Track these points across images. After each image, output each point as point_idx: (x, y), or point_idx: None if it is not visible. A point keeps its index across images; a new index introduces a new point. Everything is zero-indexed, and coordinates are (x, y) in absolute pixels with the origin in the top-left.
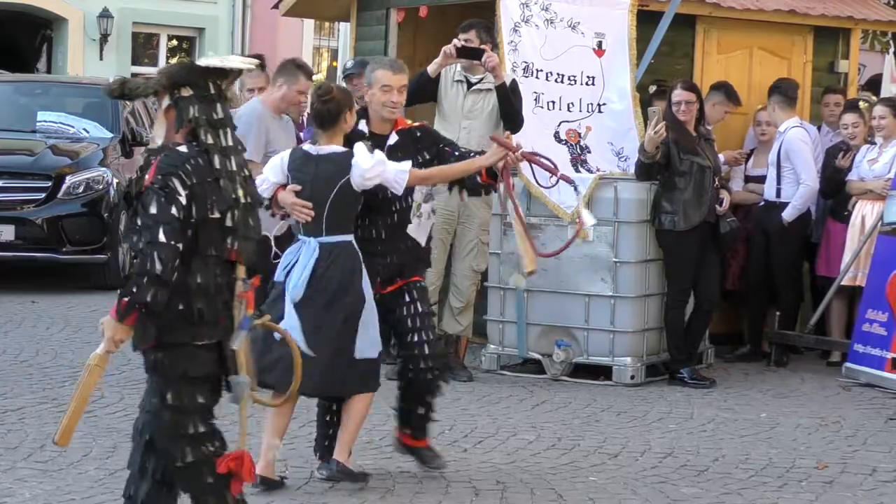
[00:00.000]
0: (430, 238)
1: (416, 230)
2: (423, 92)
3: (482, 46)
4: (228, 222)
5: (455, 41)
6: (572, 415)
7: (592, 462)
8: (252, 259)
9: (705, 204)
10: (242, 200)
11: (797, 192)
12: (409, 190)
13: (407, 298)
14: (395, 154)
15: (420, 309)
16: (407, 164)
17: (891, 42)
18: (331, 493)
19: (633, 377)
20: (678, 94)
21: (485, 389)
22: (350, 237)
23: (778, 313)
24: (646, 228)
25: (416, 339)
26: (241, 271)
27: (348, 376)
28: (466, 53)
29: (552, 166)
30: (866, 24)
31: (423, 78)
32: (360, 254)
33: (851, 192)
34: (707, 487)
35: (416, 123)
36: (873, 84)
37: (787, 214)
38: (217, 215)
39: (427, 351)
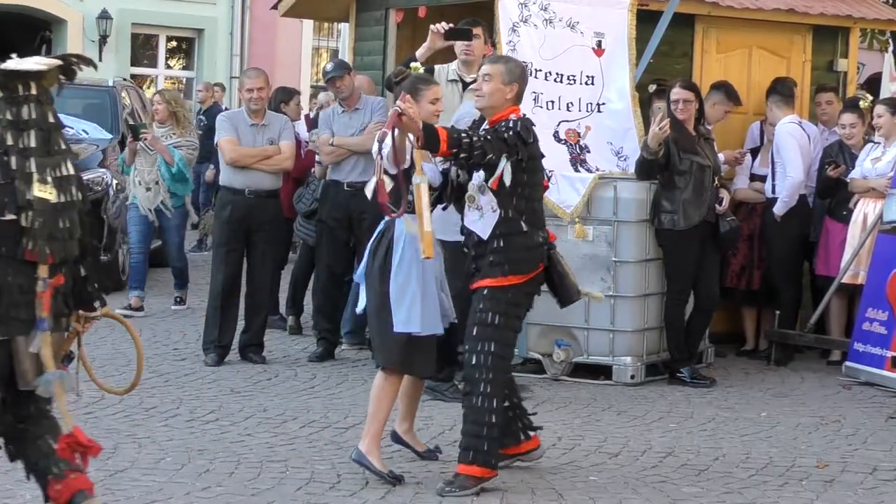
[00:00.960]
0: (503, 237)
1: (476, 223)
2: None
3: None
4: (24, 223)
5: (441, 24)
6: (572, 414)
7: (593, 461)
8: (67, 258)
9: (705, 203)
10: (53, 201)
11: (783, 185)
12: (444, 179)
13: (475, 304)
14: None
15: (476, 319)
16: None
17: (890, 41)
18: (331, 493)
19: (633, 377)
20: (676, 93)
21: None
22: (390, 220)
23: (778, 312)
24: (645, 228)
25: (462, 347)
26: (42, 271)
27: (381, 347)
28: (455, 35)
29: (408, 132)
30: (865, 23)
31: (412, 61)
32: (406, 233)
33: (854, 191)
34: (708, 487)
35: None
36: (872, 83)
37: (777, 209)
38: (11, 217)
39: (465, 368)
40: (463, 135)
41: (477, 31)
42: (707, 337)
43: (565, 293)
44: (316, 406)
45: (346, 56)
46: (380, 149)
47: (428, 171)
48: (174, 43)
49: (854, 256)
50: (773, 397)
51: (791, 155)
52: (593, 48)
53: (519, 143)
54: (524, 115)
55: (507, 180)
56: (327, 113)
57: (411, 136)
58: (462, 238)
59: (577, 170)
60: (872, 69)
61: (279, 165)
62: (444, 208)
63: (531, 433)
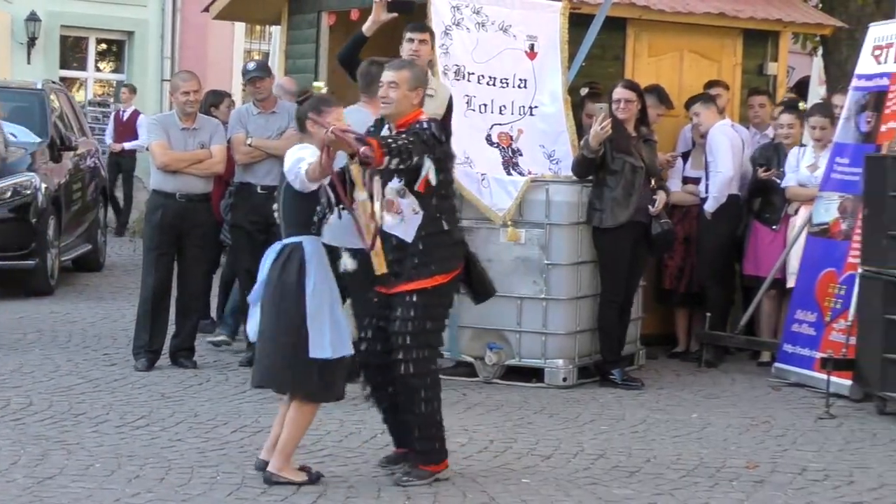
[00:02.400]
0: (426, 238)
1: (397, 227)
2: (356, 55)
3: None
4: None
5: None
6: (504, 417)
7: (525, 464)
8: None
9: (633, 204)
10: None
11: (714, 181)
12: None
13: (396, 311)
14: None
15: (407, 327)
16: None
17: (818, 46)
18: (262, 498)
19: (565, 379)
20: (618, 93)
21: None
22: (301, 238)
23: (708, 314)
24: (577, 231)
25: (395, 356)
26: None
27: (294, 377)
28: (398, 7)
29: (358, 147)
30: (795, 27)
31: (359, 38)
32: (316, 254)
33: (794, 199)
34: (639, 488)
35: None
36: (802, 86)
37: (708, 206)
38: None
39: (403, 377)
40: (391, 140)
41: (424, 36)
42: (638, 339)
43: (483, 290)
44: (247, 410)
45: (278, 59)
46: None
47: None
48: (104, 45)
49: (784, 259)
50: (704, 399)
51: (722, 152)
52: (526, 51)
53: (436, 144)
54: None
55: (434, 180)
56: (240, 112)
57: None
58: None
59: (509, 173)
60: (802, 73)
61: (210, 169)
62: (339, 217)
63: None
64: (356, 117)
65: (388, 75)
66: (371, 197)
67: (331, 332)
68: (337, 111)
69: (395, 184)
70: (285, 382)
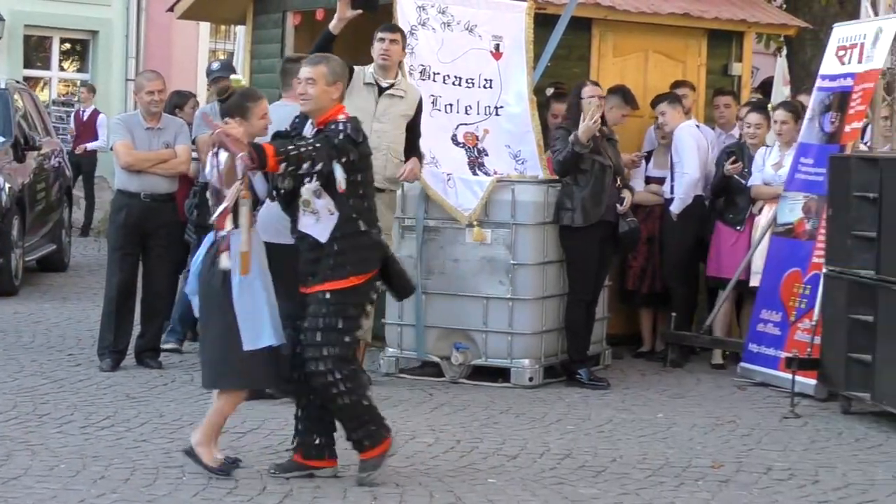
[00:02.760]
0: (342, 239)
1: (313, 227)
2: (326, 51)
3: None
4: None
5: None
6: (471, 417)
7: (491, 464)
8: None
9: (604, 202)
10: None
11: (680, 182)
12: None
13: (308, 309)
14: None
15: (318, 324)
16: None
17: (783, 46)
18: (228, 498)
19: (531, 379)
20: (590, 90)
21: (383, 393)
22: (225, 231)
23: (673, 314)
24: (543, 230)
25: (305, 354)
26: None
27: (226, 370)
28: (362, 4)
29: (237, 151)
30: (759, 28)
31: (327, 36)
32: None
33: (759, 198)
34: (605, 488)
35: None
36: (766, 86)
37: (674, 207)
38: None
39: (311, 369)
40: (290, 148)
41: (395, 36)
42: (604, 339)
43: (402, 288)
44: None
45: (244, 59)
46: (216, 171)
47: (258, 183)
48: (68, 45)
49: (748, 259)
50: (670, 398)
51: (689, 153)
52: (491, 52)
53: (349, 146)
54: (351, 115)
55: (343, 185)
56: (205, 112)
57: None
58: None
59: (474, 173)
60: (766, 73)
61: (175, 169)
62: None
63: (333, 454)
64: (281, 112)
65: (304, 71)
66: (238, 200)
67: (260, 324)
68: (262, 104)
69: (312, 184)
70: (213, 377)
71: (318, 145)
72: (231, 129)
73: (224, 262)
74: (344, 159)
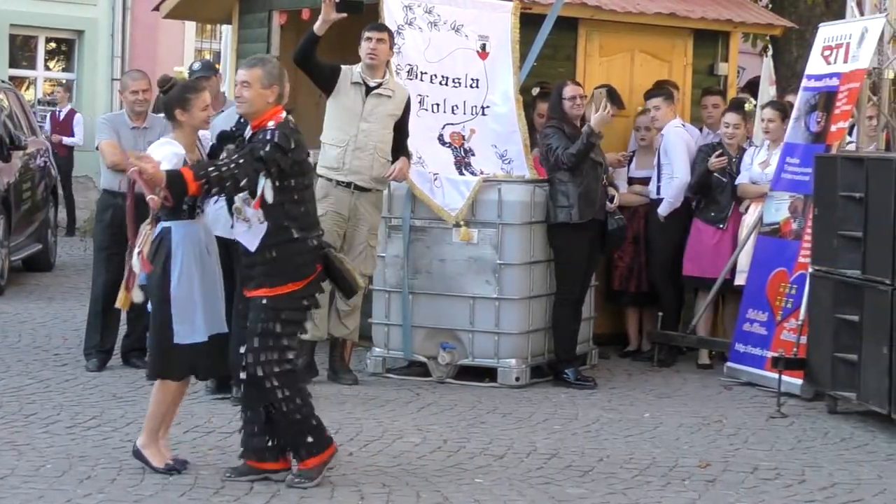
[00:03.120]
0: (276, 247)
1: (244, 235)
2: (311, 54)
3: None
4: None
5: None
6: (458, 417)
7: (478, 464)
8: None
9: (598, 200)
10: None
11: (670, 186)
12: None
13: (253, 313)
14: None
15: (256, 329)
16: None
17: (769, 45)
18: (215, 499)
19: (517, 379)
20: (571, 90)
21: (370, 392)
22: (171, 224)
23: (660, 314)
24: (530, 230)
25: (245, 358)
26: None
27: (162, 359)
28: (346, 7)
29: (149, 191)
30: (745, 28)
31: (311, 37)
32: (186, 240)
33: (745, 196)
34: (592, 487)
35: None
36: (752, 86)
37: (662, 209)
38: None
39: (249, 372)
40: (211, 169)
41: (382, 35)
42: (591, 338)
43: (348, 289)
44: (199, 411)
45: (230, 58)
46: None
47: None
48: (53, 44)
49: (735, 259)
50: (656, 398)
51: (679, 156)
52: (478, 51)
53: (278, 155)
54: (287, 117)
55: (269, 198)
56: None
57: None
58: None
59: (461, 173)
60: (752, 73)
61: None
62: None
63: (284, 456)
64: (221, 116)
65: (240, 74)
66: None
67: (204, 314)
68: (203, 96)
69: (243, 193)
70: (152, 367)
71: (241, 161)
72: (145, 163)
73: (133, 261)
74: (273, 169)
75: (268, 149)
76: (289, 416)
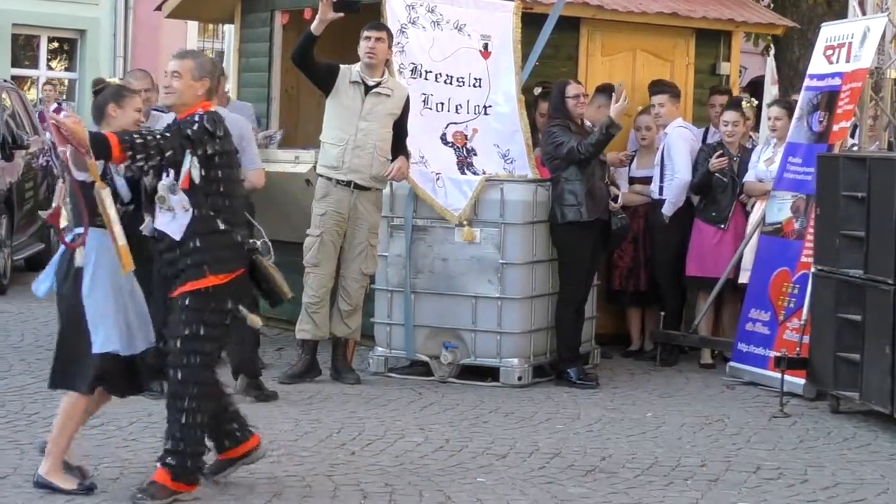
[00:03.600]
0: (199, 237)
1: (169, 224)
2: (308, 54)
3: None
4: None
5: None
6: (460, 416)
7: (480, 463)
8: None
9: (604, 198)
10: None
11: (671, 185)
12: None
13: (171, 315)
14: None
15: (178, 331)
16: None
17: (771, 44)
18: (219, 497)
19: (520, 378)
20: (574, 88)
21: (373, 392)
22: (81, 230)
23: (662, 313)
24: (532, 230)
25: (167, 361)
26: None
27: (75, 370)
28: (343, 7)
29: (63, 143)
30: (747, 27)
31: (308, 37)
32: (98, 247)
33: (750, 194)
34: (594, 487)
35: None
36: (754, 86)
37: (666, 210)
38: None
39: (170, 382)
40: (136, 136)
41: (381, 35)
42: (593, 338)
43: (272, 294)
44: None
45: (232, 58)
46: (61, 164)
47: (119, 185)
48: (56, 44)
49: (738, 258)
50: (659, 398)
51: (681, 156)
52: (480, 51)
53: (206, 137)
54: (214, 110)
55: (196, 177)
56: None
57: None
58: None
59: (463, 172)
60: (754, 73)
61: None
62: (133, 209)
63: (249, 432)
64: (168, 118)
65: (171, 64)
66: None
67: (118, 325)
68: (136, 100)
69: (167, 180)
70: (60, 377)
71: (167, 135)
72: (64, 119)
73: (78, 258)
74: (200, 151)
75: (195, 128)
76: (187, 427)
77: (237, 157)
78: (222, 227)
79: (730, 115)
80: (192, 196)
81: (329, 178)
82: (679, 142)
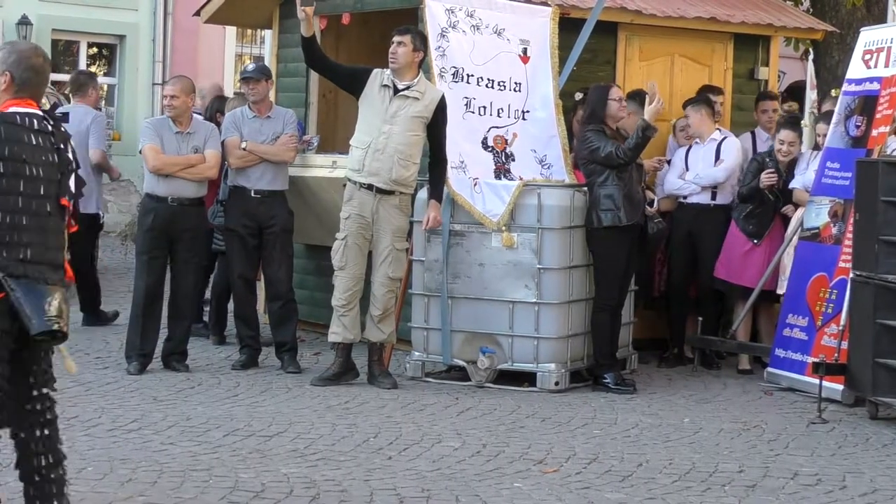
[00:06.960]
0: None
1: None
2: (313, 57)
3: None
4: None
5: None
6: (497, 421)
7: (517, 468)
8: None
9: (642, 203)
10: None
11: (708, 173)
12: None
13: None
14: None
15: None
16: None
17: (810, 49)
18: (255, 502)
19: (557, 383)
20: (617, 91)
21: (409, 397)
22: None
23: (700, 319)
24: (569, 235)
25: None
26: None
27: None
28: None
29: None
30: (785, 32)
31: (303, 42)
32: None
33: (800, 203)
34: (631, 493)
35: None
36: (793, 91)
37: (685, 189)
38: None
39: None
40: None
41: (403, 38)
42: (630, 343)
43: (29, 325)
44: (239, 414)
45: (270, 63)
46: None
47: None
48: (95, 49)
49: (777, 264)
50: (696, 403)
51: (731, 160)
52: (519, 55)
53: None
54: (12, 111)
55: None
56: (235, 115)
57: None
58: None
59: (499, 178)
60: (793, 77)
61: (202, 174)
62: None
63: None
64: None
65: None
66: None
67: None
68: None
69: None
70: None
71: None
72: None
73: None
74: None
75: None
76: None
77: (15, 169)
78: None
79: (787, 135)
80: None
81: (354, 182)
82: (734, 150)
